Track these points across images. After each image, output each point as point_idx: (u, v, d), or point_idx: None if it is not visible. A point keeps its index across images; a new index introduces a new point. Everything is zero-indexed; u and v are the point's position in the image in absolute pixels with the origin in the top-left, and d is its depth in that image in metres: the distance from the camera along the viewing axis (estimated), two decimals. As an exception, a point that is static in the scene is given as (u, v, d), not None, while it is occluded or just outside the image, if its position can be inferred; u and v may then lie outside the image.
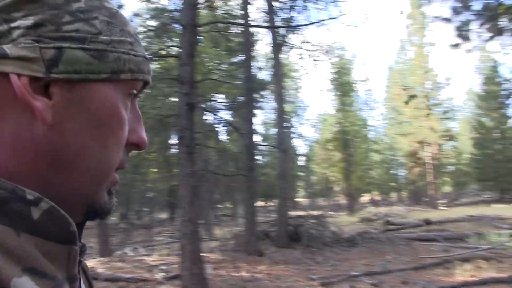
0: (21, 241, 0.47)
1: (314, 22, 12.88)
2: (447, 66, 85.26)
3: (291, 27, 14.03)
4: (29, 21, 0.50)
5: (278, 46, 14.07)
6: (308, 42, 16.30)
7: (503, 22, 10.55)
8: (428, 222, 17.30)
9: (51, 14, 0.51)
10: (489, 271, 8.45)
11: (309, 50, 16.54)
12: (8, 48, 0.48)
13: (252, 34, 14.17)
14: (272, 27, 13.36)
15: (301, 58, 17.36)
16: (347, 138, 33.01)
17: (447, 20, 10.71)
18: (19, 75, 0.48)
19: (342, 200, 39.73)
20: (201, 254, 7.29)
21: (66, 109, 0.52)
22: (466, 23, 10.49)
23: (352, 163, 33.39)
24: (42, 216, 0.49)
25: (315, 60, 17.31)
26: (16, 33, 0.49)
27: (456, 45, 10.89)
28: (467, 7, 10.34)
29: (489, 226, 15.60)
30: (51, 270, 0.49)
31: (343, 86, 33.21)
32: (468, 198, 36.72)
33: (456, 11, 10.45)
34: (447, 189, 45.95)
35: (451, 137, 33.74)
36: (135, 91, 0.60)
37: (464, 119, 43.96)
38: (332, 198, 43.13)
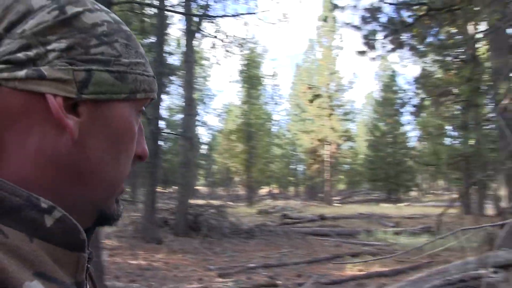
0: (34, 247, 0.49)
1: (232, 15, 12.69)
2: (351, 70, 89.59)
3: (207, 16, 13.77)
4: (62, 44, 0.53)
5: (191, 32, 13.74)
6: (222, 32, 16.16)
7: (404, 37, 11.25)
8: (323, 218, 18.05)
9: (81, 38, 0.55)
10: (375, 266, 8.95)
11: (222, 40, 16.38)
12: (45, 70, 0.52)
13: (166, 17, 13.70)
14: (187, 14, 13.01)
15: (213, 47, 17.09)
16: (251, 130, 33.36)
17: (356, 27, 11.16)
18: (55, 95, 0.52)
19: (242, 191, 40.21)
20: (98, 240, 6.89)
21: (90, 126, 0.56)
22: (373, 33, 11.01)
23: (254, 155, 33.86)
24: (55, 224, 0.52)
25: (227, 51, 17.17)
26: (51, 55, 0.52)
27: (362, 52, 11.39)
28: (375, 18, 10.83)
29: (377, 224, 16.67)
30: (60, 276, 0.52)
31: (251, 79, 33.49)
32: (360, 197, 38.94)
33: (365, 20, 10.91)
34: (342, 186, 48.38)
35: (349, 138, 35.53)
36: (144, 108, 0.65)
37: (362, 121, 46.54)
38: (231, 189, 43.53)
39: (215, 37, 16.09)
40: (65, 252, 0.53)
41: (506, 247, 8.59)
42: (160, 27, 12.75)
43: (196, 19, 13.97)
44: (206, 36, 16.04)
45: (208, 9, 14.80)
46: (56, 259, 0.52)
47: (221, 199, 26.78)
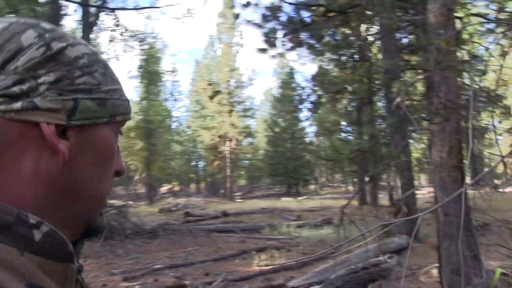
0: (24, 260, 0.55)
1: (133, 8, 12.19)
2: (250, 67, 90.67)
3: (105, 8, 13.10)
4: (51, 77, 0.60)
5: (88, 25, 13.01)
6: (121, 25, 15.46)
7: (302, 36, 11.62)
8: (225, 214, 18.07)
9: (66, 70, 0.61)
10: (281, 259, 9.15)
11: (121, 34, 15.71)
12: (38, 102, 0.58)
13: (61, 7, 12.81)
14: (85, 5, 12.28)
15: (112, 41, 16.35)
16: (150, 127, 32.52)
17: (257, 25, 11.30)
18: (48, 123, 0.58)
19: (142, 189, 39.14)
20: None
21: (78, 148, 0.62)
22: (273, 31, 11.22)
23: (153, 152, 33.06)
24: (43, 238, 0.57)
25: (126, 45, 16.53)
26: (42, 88, 0.59)
27: (263, 50, 11.55)
28: (275, 17, 11.05)
29: (279, 218, 17.08)
30: (50, 286, 0.56)
31: (151, 75, 32.61)
32: (261, 192, 39.71)
33: (265, 19, 11.08)
34: (243, 182, 49.04)
35: (249, 134, 36.08)
36: (121, 130, 0.71)
37: (261, 118, 47.43)
38: (131, 188, 42.14)
39: (114, 30, 15.41)
40: (54, 263, 0.58)
41: (399, 234, 9.27)
42: (54, 17, 11.88)
43: (94, 10, 13.24)
44: (104, 29, 15.31)
45: (107, 0, 14.11)
46: (46, 271, 0.57)
47: (121, 199, 25.78)
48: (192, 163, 46.77)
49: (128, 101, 0.71)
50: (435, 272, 6.22)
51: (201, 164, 46.89)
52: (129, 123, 35.37)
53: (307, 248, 10.67)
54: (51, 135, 0.58)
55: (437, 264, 5.50)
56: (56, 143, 0.58)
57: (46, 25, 0.64)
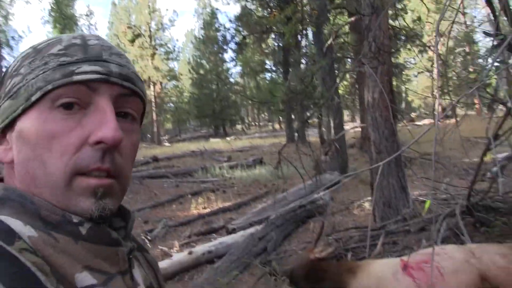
0: (79, 247, 0.64)
1: None
2: (171, 7, 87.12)
3: None
4: None
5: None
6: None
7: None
8: (156, 159, 17.86)
9: (3, 86, 0.69)
10: (217, 202, 9.32)
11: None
12: None
13: None
14: None
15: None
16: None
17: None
18: None
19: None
20: None
21: (15, 145, 0.67)
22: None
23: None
24: (88, 232, 0.65)
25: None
26: None
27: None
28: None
29: (211, 160, 17.19)
30: (104, 267, 0.66)
31: (64, 19, 30.48)
32: (188, 134, 39.55)
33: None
34: (169, 126, 48.42)
35: (173, 77, 35.29)
36: (65, 100, 0.64)
37: (184, 60, 46.33)
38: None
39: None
40: (104, 248, 0.67)
41: (329, 170, 9.72)
42: None
43: None
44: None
45: None
46: (99, 255, 0.66)
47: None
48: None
49: (60, 65, 0.66)
50: (367, 205, 6.65)
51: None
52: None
53: (242, 188, 10.90)
54: None
55: (370, 198, 5.88)
56: None
57: (37, 43, 0.71)
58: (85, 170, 0.64)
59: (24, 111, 0.65)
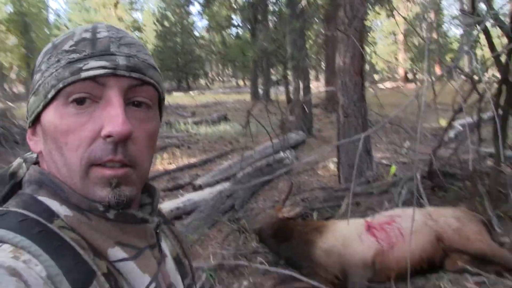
0: (110, 225, 0.71)
1: None
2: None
3: None
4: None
5: None
6: None
7: None
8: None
9: (33, 80, 0.75)
10: (183, 158, 9.33)
11: None
12: None
13: None
14: None
15: None
16: (25, 20, 29.31)
17: None
18: (28, 128, 0.78)
19: (21, 88, 36.18)
20: None
21: (42, 138, 0.74)
22: None
23: (32, 49, 30.23)
24: (115, 216, 0.71)
25: None
26: None
27: None
28: None
29: (175, 115, 17.01)
30: (134, 242, 0.73)
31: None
32: (151, 88, 38.75)
33: None
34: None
35: (137, 28, 34.24)
36: (77, 96, 0.69)
37: (149, 11, 44.81)
38: (8, 86, 38.70)
39: None
40: (134, 226, 0.75)
41: (294, 130, 9.87)
42: None
43: None
44: None
45: None
46: (129, 231, 0.73)
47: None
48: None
49: (69, 62, 0.69)
50: (331, 166, 6.85)
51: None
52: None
53: (207, 145, 10.91)
54: (28, 137, 0.77)
55: (335, 159, 6.06)
56: (28, 143, 0.77)
57: (56, 38, 0.75)
58: (99, 161, 0.68)
59: (44, 107, 0.71)
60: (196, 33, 36.66)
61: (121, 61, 0.70)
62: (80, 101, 0.68)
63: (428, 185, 4.55)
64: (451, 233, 3.40)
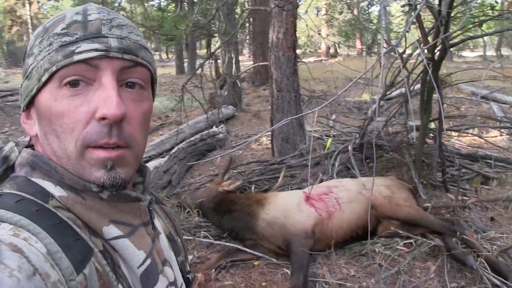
0: (104, 203, 0.73)
1: None
2: None
3: None
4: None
5: None
6: None
7: None
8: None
9: (25, 64, 0.75)
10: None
11: None
12: None
13: None
14: None
15: None
16: None
17: None
18: (21, 112, 0.79)
19: None
20: None
21: (37, 121, 0.75)
22: None
23: None
24: (109, 196, 0.73)
25: None
26: None
27: None
28: None
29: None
30: (128, 220, 0.75)
31: None
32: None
33: None
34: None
35: (51, -4, 32.16)
36: (70, 79, 0.69)
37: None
38: None
39: None
40: (128, 203, 0.76)
41: (225, 105, 9.89)
42: None
43: None
44: None
45: None
46: (123, 210, 0.75)
47: None
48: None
49: (61, 45, 0.70)
50: (264, 140, 6.98)
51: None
52: None
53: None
54: (22, 121, 0.79)
55: (267, 133, 6.18)
56: (23, 126, 0.78)
57: (47, 21, 0.75)
58: (94, 144, 0.69)
59: (38, 91, 0.71)
60: (116, 4, 35.06)
61: (113, 43, 0.71)
62: (73, 84, 0.69)
63: (358, 156, 4.79)
64: (382, 200, 3.63)
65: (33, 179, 0.72)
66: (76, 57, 0.68)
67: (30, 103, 0.75)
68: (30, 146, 0.81)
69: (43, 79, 0.69)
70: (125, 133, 0.71)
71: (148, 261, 0.75)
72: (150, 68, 0.78)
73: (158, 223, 0.89)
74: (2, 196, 0.66)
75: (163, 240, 0.87)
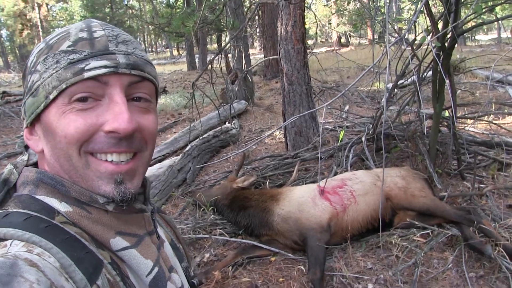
0: (109, 217, 0.75)
1: None
2: None
3: None
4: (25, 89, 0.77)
5: None
6: None
7: None
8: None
9: (27, 81, 0.76)
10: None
11: None
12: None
13: None
14: None
15: None
16: None
17: None
18: (25, 128, 0.79)
19: None
20: None
21: (43, 137, 0.76)
22: None
23: None
24: (114, 208, 0.76)
25: None
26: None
27: None
28: None
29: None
30: (133, 230, 0.78)
31: None
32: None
33: None
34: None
35: (62, -2, 32.39)
36: (80, 96, 0.71)
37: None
38: None
39: None
40: (133, 215, 0.80)
41: (237, 99, 9.89)
42: None
43: None
44: None
45: None
46: (128, 221, 0.78)
47: None
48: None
49: (70, 63, 0.71)
50: (277, 134, 6.96)
51: (4, 34, 41.19)
52: None
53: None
54: (25, 137, 0.79)
55: (280, 127, 6.16)
56: (27, 142, 0.79)
57: (48, 38, 0.77)
58: (100, 151, 0.73)
59: (45, 107, 0.73)
60: (125, 2, 35.24)
61: (121, 59, 0.73)
62: (82, 100, 0.72)
63: (371, 147, 4.76)
64: (397, 191, 3.61)
65: (37, 196, 0.73)
66: (86, 74, 0.70)
67: (35, 120, 0.76)
68: (29, 165, 0.82)
69: (51, 96, 0.71)
70: (136, 141, 0.75)
71: (156, 269, 0.78)
72: (155, 82, 0.81)
73: (161, 231, 0.91)
74: (9, 215, 0.67)
75: (167, 248, 0.90)
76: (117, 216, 0.76)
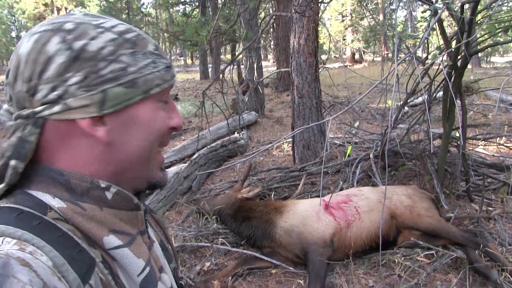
0: (104, 213, 0.73)
1: None
2: None
3: None
4: (78, 77, 0.67)
5: None
6: None
7: None
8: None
9: (90, 66, 0.68)
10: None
11: None
12: (71, 102, 0.68)
13: None
14: None
15: None
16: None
17: None
18: (83, 118, 0.69)
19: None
20: None
21: (118, 128, 0.73)
22: None
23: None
24: (114, 197, 0.75)
25: None
26: (72, 89, 0.68)
27: None
28: None
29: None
30: (126, 229, 0.77)
31: None
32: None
33: None
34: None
35: (80, 3, 32.88)
36: (165, 96, 0.79)
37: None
38: None
39: None
40: (126, 212, 0.78)
41: (247, 110, 9.90)
42: None
43: None
44: None
45: None
46: (122, 219, 0.77)
47: None
48: (13, 35, 41.43)
49: (167, 67, 0.78)
50: (285, 146, 6.94)
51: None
52: None
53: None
54: (87, 128, 0.70)
55: (290, 140, 6.15)
56: (92, 132, 0.71)
57: (69, 25, 0.70)
58: (164, 145, 0.83)
59: (140, 101, 0.74)
60: (143, 10, 35.58)
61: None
62: (165, 100, 0.81)
63: (380, 164, 4.72)
64: (403, 210, 3.56)
65: (30, 191, 0.71)
66: (172, 82, 0.81)
67: (113, 113, 0.73)
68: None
69: (153, 92, 0.75)
70: None
71: (147, 269, 0.78)
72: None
73: (151, 232, 0.91)
74: (1, 210, 0.66)
75: (157, 248, 0.90)
76: (112, 213, 0.75)
